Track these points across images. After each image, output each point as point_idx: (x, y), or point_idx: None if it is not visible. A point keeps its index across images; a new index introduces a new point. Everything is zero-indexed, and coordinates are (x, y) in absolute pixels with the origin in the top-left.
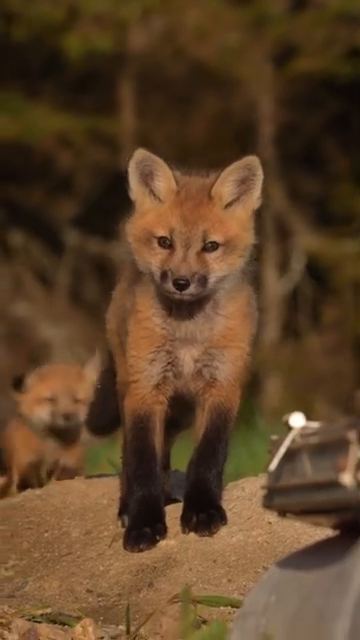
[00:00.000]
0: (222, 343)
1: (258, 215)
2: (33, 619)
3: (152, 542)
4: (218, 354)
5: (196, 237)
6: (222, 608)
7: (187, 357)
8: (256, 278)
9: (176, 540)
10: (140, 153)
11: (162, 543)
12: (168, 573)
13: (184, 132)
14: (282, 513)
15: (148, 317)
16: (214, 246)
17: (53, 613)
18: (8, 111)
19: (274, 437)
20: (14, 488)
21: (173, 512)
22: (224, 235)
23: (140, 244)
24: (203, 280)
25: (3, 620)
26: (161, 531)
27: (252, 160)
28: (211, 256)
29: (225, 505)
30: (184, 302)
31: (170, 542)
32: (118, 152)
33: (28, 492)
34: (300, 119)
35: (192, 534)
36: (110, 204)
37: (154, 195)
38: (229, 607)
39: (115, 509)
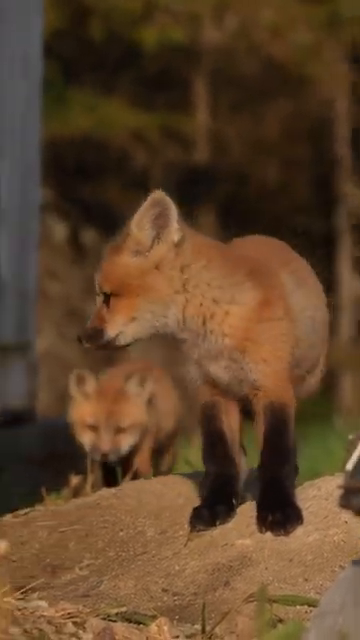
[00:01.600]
0: (239, 351)
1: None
2: (108, 618)
3: (209, 524)
4: (243, 359)
5: (97, 291)
6: (298, 607)
7: (215, 368)
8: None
9: (252, 539)
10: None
11: (238, 542)
12: (244, 572)
13: (257, 129)
14: (359, 512)
15: None
16: (107, 298)
17: (128, 612)
18: (83, 106)
19: (351, 436)
20: (89, 488)
21: (249, 511)
22: (112, 284)
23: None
24: (97, 334)
25: (78, 619)
26: (221, 514)
27: (159, 194)
28: (106, 309)
29: (301, 504)
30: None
31: (246, 541)
32: (192, 149)
33: (103, 491)
34: None
35: (268, 533)
36: (183, 201)
37: None
38: (305, 606)
39: (191, 508)
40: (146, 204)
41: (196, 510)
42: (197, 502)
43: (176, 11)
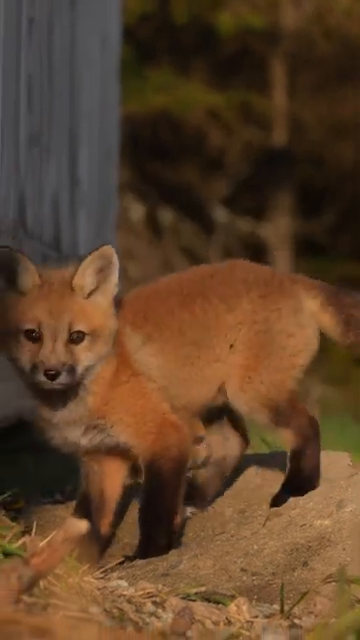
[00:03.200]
0: (99, 416)
1: None
2: (187, 597)
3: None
4: (104, 426)
5: (62, 328)
6: None
7: (74, 435)
8: None
9: (330, 520)
10: (2, 252)
11: (316, 522)
12: (322, 553)
13: (335, 111)
14: None
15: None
16: (80, 337)
17: (207, 592)
18: (159, 86)
19: None
20: None
21: (328, 491)
22: (89, 325)
23: (6, 338)
24: (72, 370)
25: (157, 599)
26: None
27: (106, 250)
28: (78, 347)
29: None
30: (55, 391)
31: (324, 522)
32: (269, 131)
33: None
34: None
35: (347, 514)
36: (260, 183)
37: (17, 290)
38: None
39: (269, 488)
40: (94, 255)
41: None
42: (274, 482)
43: None
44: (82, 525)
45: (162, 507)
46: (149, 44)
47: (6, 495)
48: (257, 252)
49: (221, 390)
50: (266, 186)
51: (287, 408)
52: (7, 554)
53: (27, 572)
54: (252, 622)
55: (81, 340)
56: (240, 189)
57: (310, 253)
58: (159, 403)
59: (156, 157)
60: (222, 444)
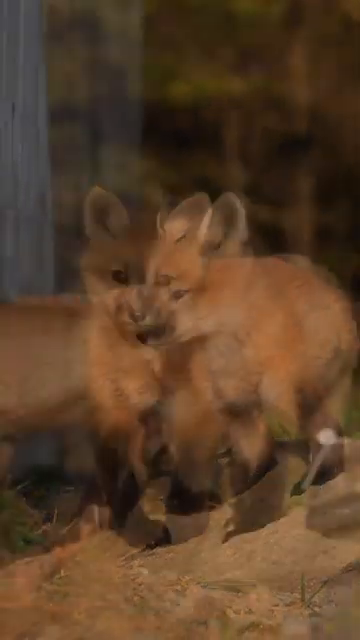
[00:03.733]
0: (258, 371)
1: None
2: (208, 586)
3: None
4: (257, 381)
5: (149, 270)
6: None
7: (227, 387)
8: None
9: (350, 509)
10: (95, 191)
11: (337, 511)
12: (342, 541)
13: (357, 99)
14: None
15: None
16: (166, 280)
17: (228, 580)
18: (180, 75)
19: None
20: None
21: (346, 481)
22: (176, 269)
23: (97, 279)
24: (168, 330)
25: (179, 587)
26: None
27: (228, 197)
28: (177, 304)
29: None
30: (142, 335)
31: (344, 511)
32: (289, 118)
33: None
34: None
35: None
36: (281, 171)
37: (108, 231)
38: None
39: (291, 476)
40: (216, 203)
41: None
42: (296, 471)
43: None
44: (105, 512)
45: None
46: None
47: (27, 483)
48: (278, 240)
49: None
50: (287, 174)
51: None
52: (28, 542)
53: (48, 560)
54: (273, 611)
55: (181, 296)
56: (260, 177)
57: (330, 243)
58: (316, 374)
59: (179, 146)
60: (248, 445)
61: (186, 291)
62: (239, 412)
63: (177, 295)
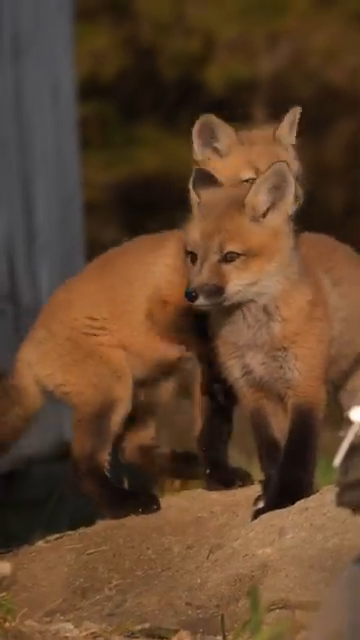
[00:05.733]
0: (284, 345)
1: None
2: (132, 635)
3: None
4: (282, 356)
5: (214, 249)
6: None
7: (254, 362)
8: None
9: (272, 548)
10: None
11: (259, 551)
12: (265, 581)
13: (319, 156)
14: (355, 509)
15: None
16: (233, 257)
17: (151, 628)
18: (147, 143)
19: (341, 433)
20: None
21: (270, 519)
22: (244, 245)
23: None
24: (217, 291)
25: (102, 638)
26: None
27: (280, 167)
28: (229, 267)
29: (319, 510)
30: (203, 311)
31: (267, 550)
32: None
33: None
34: None
35: (289, 541)
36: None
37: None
38: None
39: (216, 521)
40: (267, 173)
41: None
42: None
43: (234, 47)
44: (5, 568)
45: (311, 450)
46: (133, 100)
47: None
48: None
49: None
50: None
51: None
52: None
53: None
54: None
55: (233, 260)
56: None
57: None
58: (325, 356)
59: (149, 214)
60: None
61: (238, 255)
62: (267, 388)
63: (230, 258)
